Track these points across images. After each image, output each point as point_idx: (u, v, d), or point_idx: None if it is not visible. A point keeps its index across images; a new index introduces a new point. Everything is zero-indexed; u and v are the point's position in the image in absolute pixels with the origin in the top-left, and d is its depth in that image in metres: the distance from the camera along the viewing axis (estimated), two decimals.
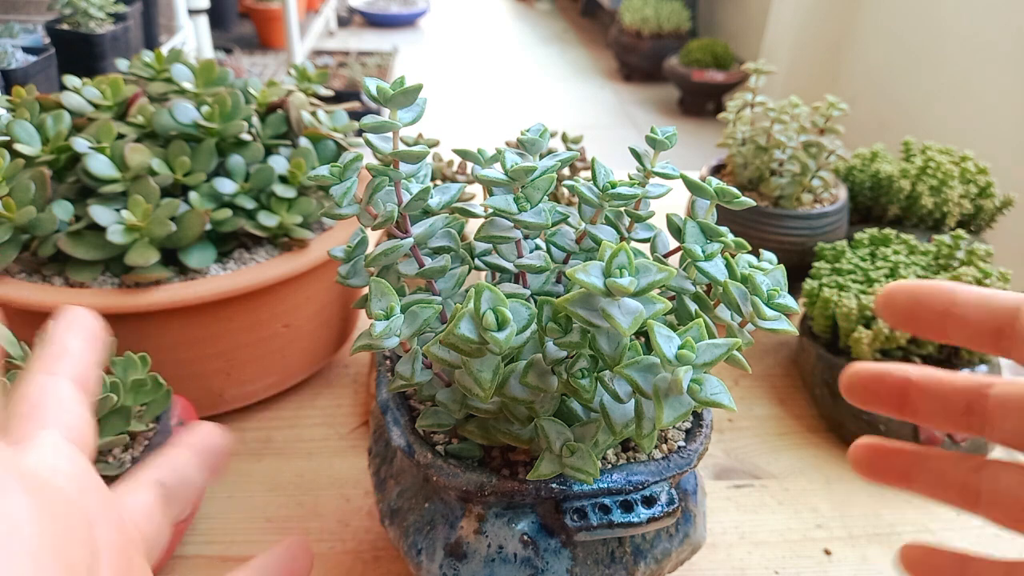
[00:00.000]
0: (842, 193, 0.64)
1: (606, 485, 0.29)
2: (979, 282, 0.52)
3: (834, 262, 0.58)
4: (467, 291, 0.30)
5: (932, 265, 0.56)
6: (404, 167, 0.30)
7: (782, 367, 0.63)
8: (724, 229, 0.30)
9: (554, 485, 0.28)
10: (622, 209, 0.32)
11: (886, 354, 0.53)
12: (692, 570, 0.44)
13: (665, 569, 0.32)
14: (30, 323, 0.42)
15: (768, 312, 0.26)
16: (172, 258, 0.47)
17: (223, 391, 0.51)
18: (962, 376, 0.28)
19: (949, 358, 0.53)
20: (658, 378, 0.24)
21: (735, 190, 0.30)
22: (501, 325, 0.24)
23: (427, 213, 0.31)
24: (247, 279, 0.46)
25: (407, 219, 0.31)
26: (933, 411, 0.28)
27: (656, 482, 0.29)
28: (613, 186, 0.30)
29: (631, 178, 0.33)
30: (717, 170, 0.68)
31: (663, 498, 0.29)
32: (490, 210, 0.30)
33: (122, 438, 0.38)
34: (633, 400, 0.26)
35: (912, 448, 0.29)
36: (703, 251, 0.29)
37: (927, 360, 0.53)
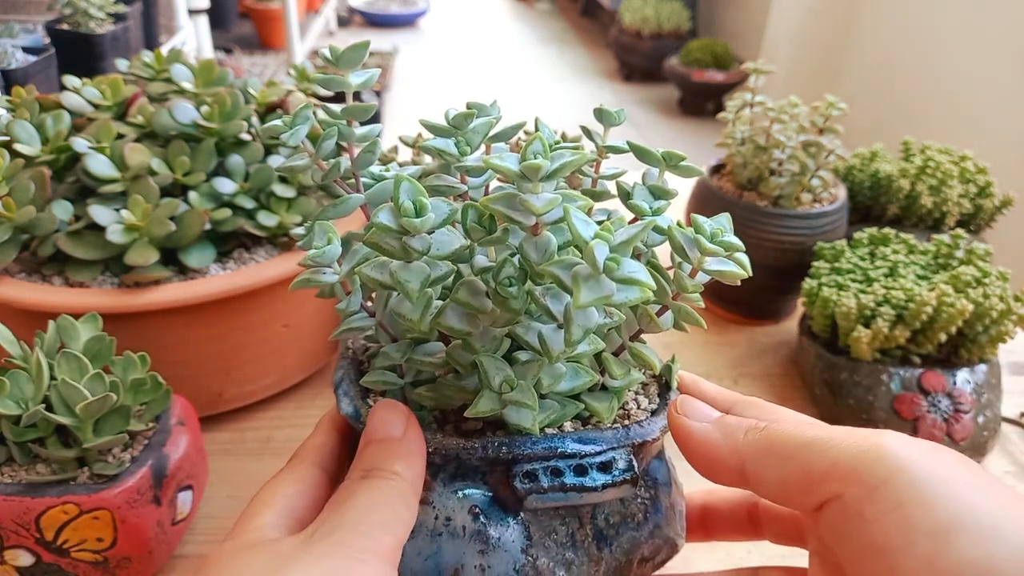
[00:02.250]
0: (841, 193, 0.64)
1: (558, 447, 0.27)
2: (978, 281, 0.52)
3: (833, 261, 0.58)
4: None
5: (931, 264, 0.56)
6: (358, 131, 0.31)
7: (782, 367, 0.63)
8: (674, 190, 0.30)
9: (502, 446, 0.27)
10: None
11: (885, 353, 0.53)
12: (692, 570, 0.44)
13: (637, 566, 0.30)
14: (30, 323, 0.42)
15: (710, 246, 0.25)
16: (172, 258, 0.47)
17: (223, 391, 0.51)
18: (736, 491, 0.33)
19: (948, 357, 0.53)
20: (578, 267, 0.24)
21: (681, 153, 0.30)
22: (419, 213, 0.24)
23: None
24: (247, 279, 0.46)
25: (359, 179, 0.31)
26: (726, 527, 0.34)
27: (613, 448, 0.28)
28: (557, 143, 0.30)
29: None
30: (717, 170, 0.68)
31: (620, 464, 0.28)
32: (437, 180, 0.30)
33: (122, 437, 0.38)
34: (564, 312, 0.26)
35: (700, 506, 0.34)
36: (651, 208, 0.29)
37: (925, 360, 0.53)
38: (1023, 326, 0.52)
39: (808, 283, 0.57)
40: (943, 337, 0.51)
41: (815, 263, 0.59)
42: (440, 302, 0.28)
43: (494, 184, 0.32)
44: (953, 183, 0.65)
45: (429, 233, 0.26)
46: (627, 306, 0.28)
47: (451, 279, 0.28)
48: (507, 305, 0.26)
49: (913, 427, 0.50)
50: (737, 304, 0.68)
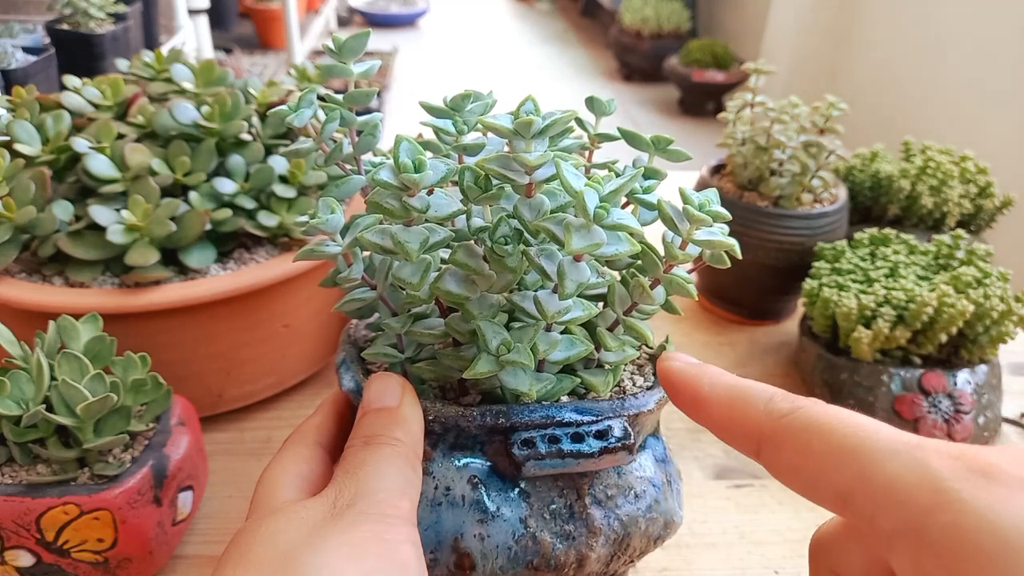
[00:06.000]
0: (842, 193, 0.64)
1: (555, 415, 0.28)
2: (979, 282, 0.52)
3: (834, 262, 0.58)
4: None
5: (932, 265, 0.56)
6: (361, 119, 0.32)
7: (782, 367, 0.63)
8: (664, 171, 0.31)
9: (500, 414, 0.28)
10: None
11: (885, 354, 0.53)
12: (692, 570, 0.44)
13: (637, 540, 0.30)
14: (30, 323, 0.42)
15: (698, 214, 0.26)
16: (172, 258, 0.47)
17: (223, 391, 0.51)
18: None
19: (949, 358, 0.53)
20: (570, 219, 0.25)
21: (669, 137, 0.31)
22: (418, 170, 0.25)
23: None
24: (247, 279, 0.46)
25: (360, 163, 0.32)
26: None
27: (609, 417, 0.29)
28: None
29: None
30: (717, 170, 0.68)
31: (616, 432, 0.28)
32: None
33: (122, 438, 0.38)
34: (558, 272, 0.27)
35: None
36: (641, 188, 0.30)
37: (926, 361, 0.53)
38: (1023, 327, 0.52)
39: (809, 283, 0.57)
40: (944, 338, 0.51)
41: (816, 263, 0.59)
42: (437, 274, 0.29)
43: None
44: (954, 183, 0.65)
45: (428, 193, 0.27)
46: (618, 265, 0.28)
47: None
48: (503, 264, 0.27)
49: (913, 428, 0.50)
50: (738, 304, 0.68)
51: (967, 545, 0.17)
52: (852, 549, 0.22)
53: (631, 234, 0.25)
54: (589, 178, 0.26)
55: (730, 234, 0.28)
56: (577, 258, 0.26)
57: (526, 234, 0.27)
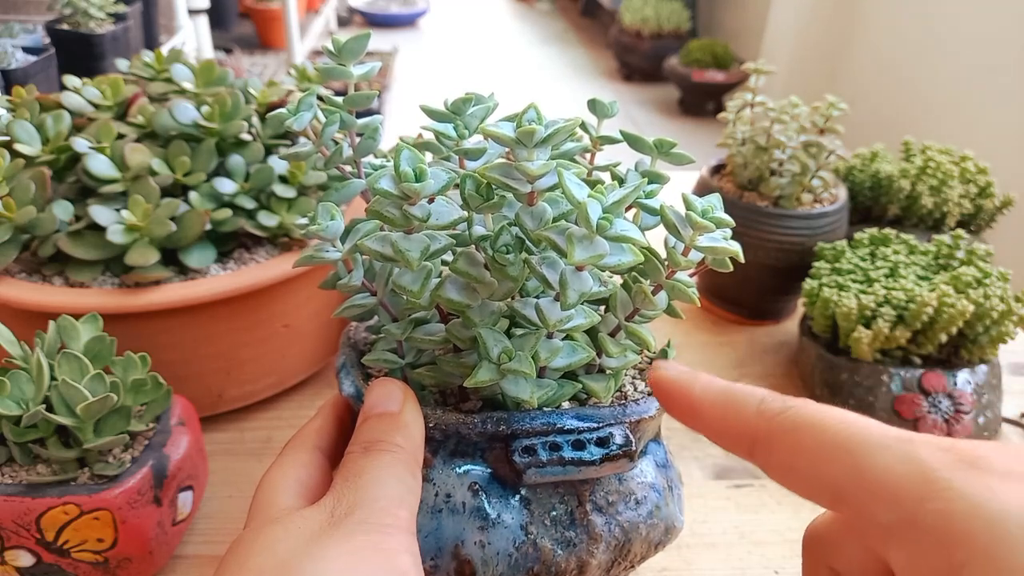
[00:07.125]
0: (842, 193, 0.64)
1: (557, 423, 0.28)
2: (979, 282, 0.52)
3: (834, 262, 0.58)
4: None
5: (932, 265, 0.56)
6: (361, 121, 0.32)
7: (782, 367, 0.63)
8: (667, 175, 0.31)
9: (501, 421, 0.28)
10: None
11: (885, 354, 0.53)
12: (692, 570, 0.44)
13: (638, 546, 0.30)
14: (30, 323, 0.42)
15: (701, 221, 0.26)
16: (172, 258, 0.47)
17: (223, 391, 0.51)
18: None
19: (949, 358, 0.53)
20: (571, 229, 0.25)
21: (672, 140, 0.30)
22: (419, 179, 0.25)
23: None
24: (247, 279, 0.46)
25: (360, 166, 0.32)
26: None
27: (611, 424, 0.28)
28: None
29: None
30: (717, 170, 0.68)
31: (618, 439, 0.28)
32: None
33: (122, 438, 0.38)
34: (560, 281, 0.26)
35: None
36: (644, 192, 0.30)
37: (926, 361, 0.53)
38: (1023, 327, 0.52)
39: (809, 283, 0.57)
40: (944, 338, 0.51)
41: (816, 263, 0.59)
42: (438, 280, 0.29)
43: None
44: (954, 183, 0.65)
45: (429, 202, 0.26)
46: (620, 270, 0.28)
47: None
48: (505, 272, 0.27)
49: (913, 428, 0.50)
50: (738, 305, 0.68)
51: (957, 531, 0.17)
52: (847, 543, 0.23)
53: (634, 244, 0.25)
54: (591, 185, 0.26)
55: (731, 235, 0.28)
56: (580, 267, 0.26)
57: (528, 242, 0.27)
